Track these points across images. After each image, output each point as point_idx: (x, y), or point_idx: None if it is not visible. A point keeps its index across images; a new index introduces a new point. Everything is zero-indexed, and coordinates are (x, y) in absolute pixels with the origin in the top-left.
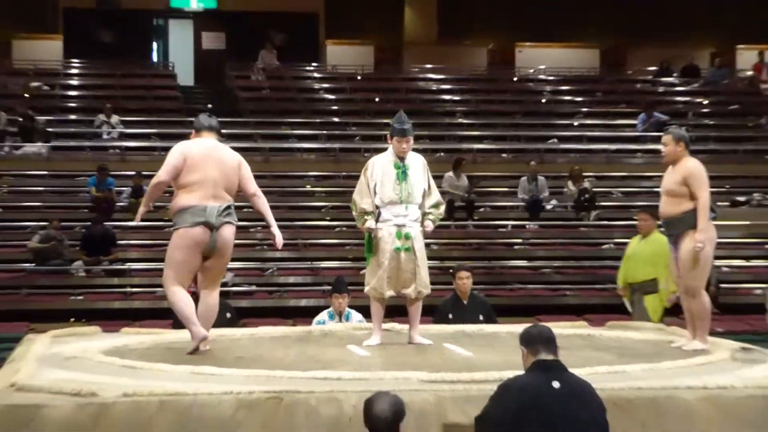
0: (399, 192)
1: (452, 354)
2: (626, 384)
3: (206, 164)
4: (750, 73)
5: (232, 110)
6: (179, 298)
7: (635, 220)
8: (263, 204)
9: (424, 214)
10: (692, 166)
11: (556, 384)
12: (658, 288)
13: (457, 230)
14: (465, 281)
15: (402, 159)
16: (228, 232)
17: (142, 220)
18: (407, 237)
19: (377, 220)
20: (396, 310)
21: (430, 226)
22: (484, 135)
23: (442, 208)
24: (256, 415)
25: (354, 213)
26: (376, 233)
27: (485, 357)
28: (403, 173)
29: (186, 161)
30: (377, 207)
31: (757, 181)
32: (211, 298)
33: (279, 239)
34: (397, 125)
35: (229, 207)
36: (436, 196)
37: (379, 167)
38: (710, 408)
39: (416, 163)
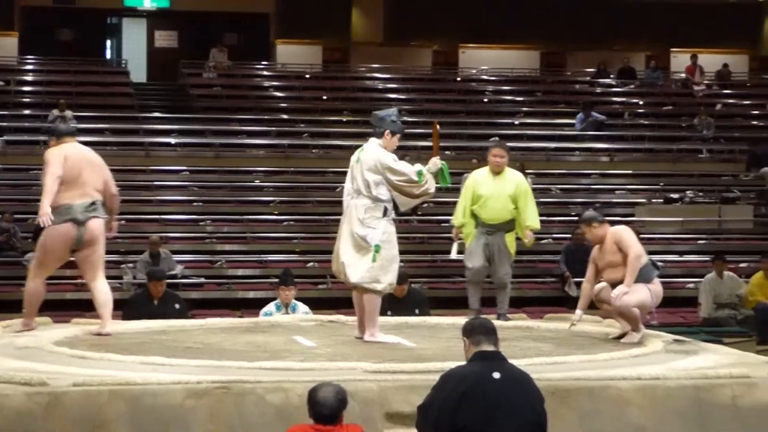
0: None
1: (396, 345)
2: (564, 374)
3: (80, 165)
4: (683, 75)
5: (185, 107)
6: (33, 290)
7: (573, 216)
8: (117, 203)
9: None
10: (616, 231)
11: (496, 374)
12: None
13: (402, 225)
14: (402, 287)
15: None
16: (95, 226)
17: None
18: None
19: (384, 215)
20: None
21: None
22: (428, 133)
23: None
24: (205, 404)
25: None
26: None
27: (428, 348)
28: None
29: (66, 161)
30: (385, 202)
31: (690, 179)
32: (100, 286)
33: (114, 231)
34: (401, 122)
35: (94, 203)
36: None
37: None
38: (644, 397)
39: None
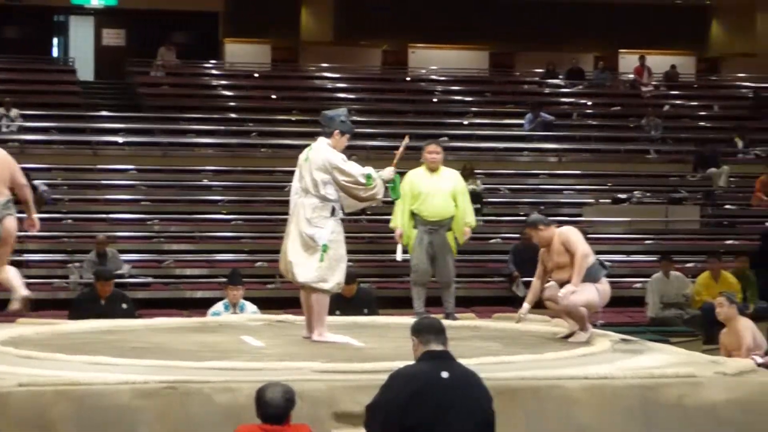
0: None
1: (344, 345)
2: (511, 374)
3: None
4: (631, 76)
5: (132, 106)
6: None
7: (522, 215)
8: (29, 194)
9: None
10: (562, 232)
11: (444, 373)
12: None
13: (351, 224)
14: (351, 286)
15: None
16: (8, 222)
17: (41, 212)
18: None
19: (332, 214)
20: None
21: None
22: (378, 133)
23: None
24: (152, 404)
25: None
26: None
27: (377, 347)
28: None
29: None
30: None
31: (637, 180)
32: (3, 272)
33: (38, 226)
34: (350, 122)
35: (9, 201)
36: None
37: None
38: (591, 397)
39: None
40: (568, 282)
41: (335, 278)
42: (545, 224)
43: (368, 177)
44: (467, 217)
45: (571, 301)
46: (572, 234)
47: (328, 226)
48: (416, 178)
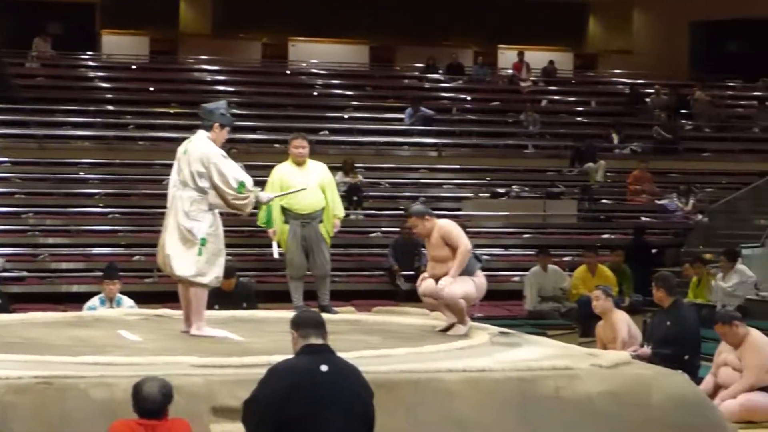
0: None
1: (223, 339)
2: (391, 367)
3: None
4: (510, 71)
5: (7, 97)
6: None
7: (402, 210)
8: None
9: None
10: (443, 226)
11: (324, 367)
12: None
13: (230, 218)
14: (230, 280)
15: None
16: None
17: None
18: None
19: (210, 208)
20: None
21: None
22: (258, 126)
23: None
24: (27, 399)
25: None
26: None
27: (256, 341)
28: None
29: None
30: None
31: (516, 174)
32: None
33: None
34: (230, 115)
35: None
36: None
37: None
38: (470, 389)
39: None
40: (445, 276)
41: (214, 272)
42: (430, 215)
43: (241, 185)
44: (336, 209)
45: (450, 293)
46: (453, 228)
47: (207, 220)
48: (285, 172)
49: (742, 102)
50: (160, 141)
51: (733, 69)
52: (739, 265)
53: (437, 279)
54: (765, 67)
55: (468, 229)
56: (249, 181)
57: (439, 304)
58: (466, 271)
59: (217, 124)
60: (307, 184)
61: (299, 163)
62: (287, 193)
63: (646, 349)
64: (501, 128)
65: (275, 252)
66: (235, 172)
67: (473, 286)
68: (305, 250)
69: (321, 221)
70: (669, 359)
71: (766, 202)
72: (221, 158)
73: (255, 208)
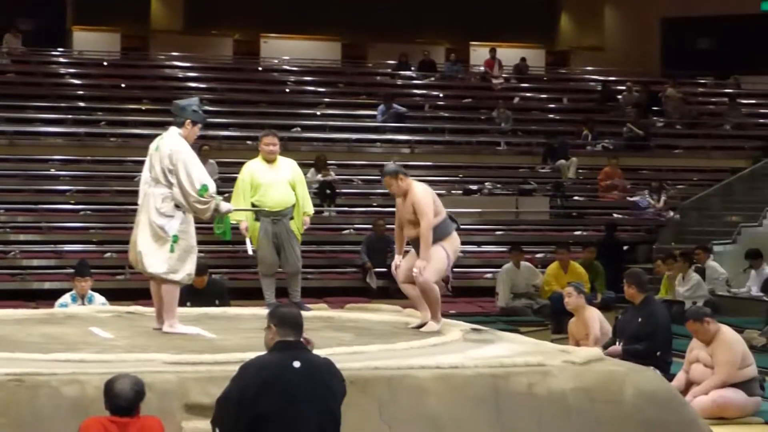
0: None
1: (195, 336)
2: (363, 364)
3: None
4: (482, 68)
5: None
6: None
7: (375, 206)
8: None
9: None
10: (414, 194)
11: (296, 363)
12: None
13: None
14: (202, 277)
15: None
16: None
17: None
18: None
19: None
20: (140, 293)
21: None
22: (230, 123)
23: None
24: None
25: None
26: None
27: (228, 339)
28: None
29: None
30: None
31: (488, 171)
32: None
33: None
34: (202, 112)
35: None
36: None
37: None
38: (442, 386)
39: None
40: (417, 239)
41: (186, 269)
42: (405, 174)
43: (203, 188)
44: (306, 206)
45: (424, 281)
46: (422, 200)
47: (179, 217)
48: (255, 169)
49: (713, 99)
50: (132, 138)
51: (704, 66)
52: (710, 262)
53: (410, 242)
54: (736, 64)
55: None
56: (212, 186)
57: (417, 295)
58: (441, 234)
59: (189, 121)
60: (277, 182)
61: (270, 161)
62: (248, 210)
63: (617, 347)
64: (473, 125)
65: (249, 249)
66: (200, 174)
67: (444, 258)
68: (276, 247)
69: (291, 218)
70: (641, 356)
71: (738, 199)
72: (190, 157)
73: (212, 217)
